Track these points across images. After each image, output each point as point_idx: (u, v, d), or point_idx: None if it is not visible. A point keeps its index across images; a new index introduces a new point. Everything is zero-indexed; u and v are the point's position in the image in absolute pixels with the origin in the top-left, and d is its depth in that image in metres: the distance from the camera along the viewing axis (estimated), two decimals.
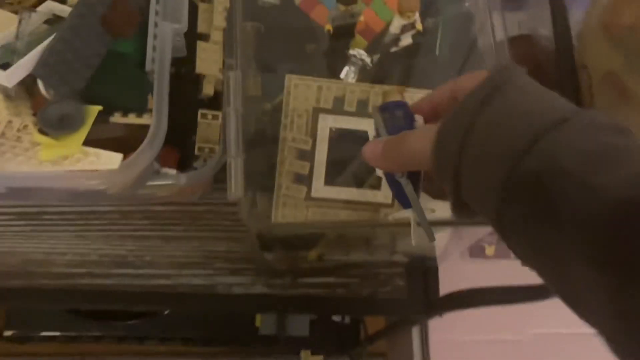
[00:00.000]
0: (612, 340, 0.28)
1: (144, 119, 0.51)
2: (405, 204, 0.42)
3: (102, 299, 0.68)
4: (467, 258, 0.86)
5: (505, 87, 0.34)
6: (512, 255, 0.34)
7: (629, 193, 0.27)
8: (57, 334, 1.02)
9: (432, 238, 0.41)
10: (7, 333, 1.01)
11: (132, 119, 0.50)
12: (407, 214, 0.42)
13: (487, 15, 0.63)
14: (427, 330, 0.85)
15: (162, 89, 0.50)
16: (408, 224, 0.43)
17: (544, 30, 0.77)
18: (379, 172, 0.44)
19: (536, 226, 0.31)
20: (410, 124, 0.42)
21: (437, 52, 0.67)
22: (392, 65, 0.63)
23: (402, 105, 0.43)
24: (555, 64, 0.65)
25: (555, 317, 0.91)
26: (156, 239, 0.70)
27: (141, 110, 0.52)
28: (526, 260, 0.33)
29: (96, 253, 0.69)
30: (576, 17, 0.78)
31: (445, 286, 0.71)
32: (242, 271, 0.69)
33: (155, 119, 0.49)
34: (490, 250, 0.87)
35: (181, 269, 0.69)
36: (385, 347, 1.14)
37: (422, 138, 0.38)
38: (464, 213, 0.37)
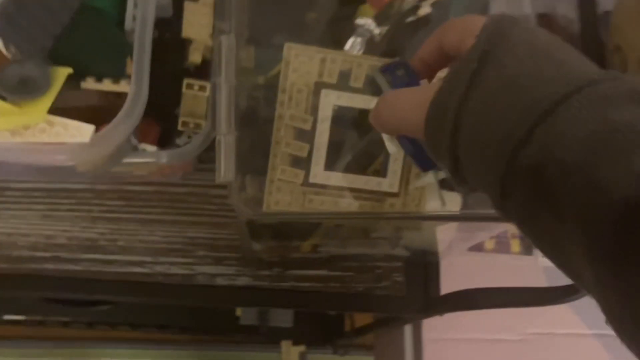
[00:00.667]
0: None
1: (121, 86, 0.44)
2: (426, 165, 0.40)
3: (69, 287, 0.61)
4: (465, 252, 0.81)
5: (500, 50, 0.30)
6: (511, 250, 0.31)
7: (637, 192, 0.23)
8: (21, 317, 0.95)
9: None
10: None
11: (107, 85, 0.44)
12: (428, 178, 0.40)
13: None
14: (421, 327, 0.80)
15: (144, 52, 0.43)
16: (415, 217, 0.39)
17: (563, 9, 0.71)
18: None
19: (539, 222, 0.28)
20: (415, 83, 0.40)
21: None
22: (402, 37, 0.57)
23: (403, 64, 0.41)
24: (581, 46, 0.60)
25: (552, 318, 0.88)
26: (131, 222, 0.63)
27: (118, 75, 0.45)
28: (533, 243, 0.31)
29: (64, 235, 0.62)
30: None
31: (442, 281, 0.66)
32: (226, 260, 0.63)
33: (134, 87, 0.42)
34: (490, 244, 0.82)
35: (158, 256, 0.63)
36: (371, 340, 1.09)
37: (415, 106, 0.34)
38: (466, 188, 0.34)
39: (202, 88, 0.53)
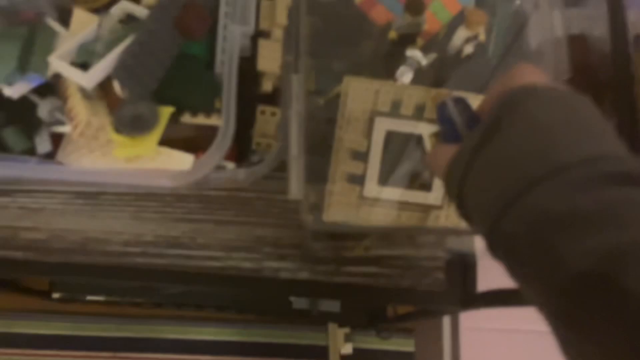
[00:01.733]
0: None
1: (212, 120, 0.53)
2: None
3: (156, 277, 0.71)
4: None
5: (504, 124, 0.36)
6: None
7: (588, 267, 0.29)
8: (100, 298, 1.07)
9: None
10: (55, 295, 1.06)
11: (201, 119, 0.52)
12: None
13: (546, 10, 0.64)
14: (458, 316, 0.88)
15: (231, 91, 0.52)
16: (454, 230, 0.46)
17: (599, 31, 0.77)
18: None
19: (512, 274, 0.34)
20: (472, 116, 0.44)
21: (489, 53, 0.67)
22: (448, 67, 0.64)
23: (460, 100, 0.45)
24: (611, 72, 0.65)
25: None
26: (208, 222, 0.73)
27: (208, 110, 0.54)
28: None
29: (151, 234, 0.72)
30: (635, 17, 0.78)
31: (479, 279, 0.73)
32: (288, 257, 0.72)
33: (224, 121, 0.51)
34: None
35: (231, 252, 0.72)
36: (412, 325, 1.18)
37: (444, 159, 0.41)
38: (469, 224, 0.40)
39: (273, 113, 0.62)
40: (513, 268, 0.34)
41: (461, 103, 0.45)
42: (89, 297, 1.06)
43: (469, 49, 0.57)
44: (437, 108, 0.46)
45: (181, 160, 0.49)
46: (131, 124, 0.49)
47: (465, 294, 0.72)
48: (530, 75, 0.39)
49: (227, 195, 0.73)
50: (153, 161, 0.49)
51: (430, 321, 0.99)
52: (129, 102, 0.49)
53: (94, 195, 0.72)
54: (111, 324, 1.15)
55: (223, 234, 0.72)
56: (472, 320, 0.88)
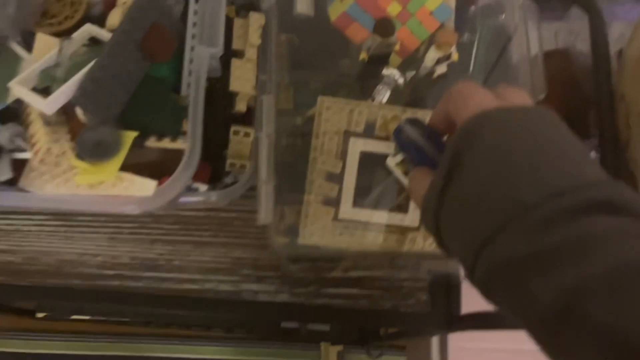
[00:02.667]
0: None
1: (178, 143, 0.52)
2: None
3: (132, 301, 0.70)
4: None
5: (467, 160, 0.36)
6: None
7: (556, 302, 0.30)
8: (85, 317, 1.06)
9: None
10: (40, 315, 1.05)
11: (166, 143, 0.51)
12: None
13: (523, 28, 0.63)
14: (447, 335, 0.86)
15: (197, 114, 0.51)
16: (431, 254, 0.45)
17: (583, 45, 0.75)
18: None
19: (495, 306, 0.36)
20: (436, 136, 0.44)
21: (470, 70, 0.66)
22: (425, 86, 0.63)
23: (414, 120, 0.44)
24: (593, 87, 0.64)
25: None
26: (185, 244, 0.71)
27: (175, 133, 0.52)
28: None
29: (127, 255, 0.71)
30: (618, 30, 0.76)
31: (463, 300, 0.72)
32: (267, 279, 0.71)
33: (189, 145, 0.50)
34: None
35: (208, 274, 0.71)
36: (405, 342, 1.16)
37: (421, 189, 0.41)
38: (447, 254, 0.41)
39: (246, 134, 0.61)
40: (493, 303, 0.35)
41: (417, 123, 0.44)
42: (75, 317, 1.05)
43: (442, 69, 0.56)
44: (394, 135, 0.44)
45: (144, 186, 0.48)
46: (93, 150, 0.48)
47: (449, 316, 0.70)
48: (475, 94, 0.39)
49: (205, 216, 0.72)
50: (115, 187, 0.48)
51: (421, 345, 0.97)
52: (91, 128, 0.48)
53: (69, 217, 0.71)
54: (99, 343, 1.14)
55: (200, 256, 0.71)
56: (461, 339, 0.87)
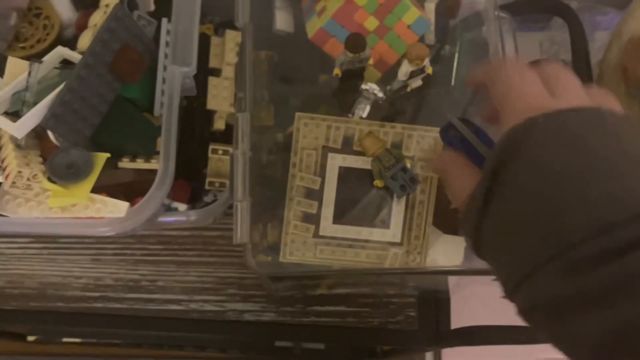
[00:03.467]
0: None
1: (152, 164, 0.51)
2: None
3: (116, 323, 0.69)
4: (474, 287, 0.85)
5: (509, 177, 0.33)
6: None
7: (603, 341, 0.29)
8: (77, 340, 1.05)
9: None
10: (31, 338, 1.04)
11: (140, 163, 0.51)
12: None
13: (500, 41, 0.62)
14: (440, 353, 0.85)
15: (170, 134, 0.50)
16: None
17: (566, 55, 0.75)
18: None
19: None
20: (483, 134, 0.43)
21: (452, 82, 0.65)
22: (405, 100, 0.62)
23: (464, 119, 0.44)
24: None
25: None
26: (169, 264, 0.71)
27: (149, 153, 0.52)
28: None
29: (110, 277, 0.70)
30: (601, 39, 0.76)
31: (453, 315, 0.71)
32: (253, 298, 0.70)
33: (162, 165, 0.49)
34: None
35: (193, 294, 0.70)
36: (400, 358, 1.14)
37: (462, 192, 0.38)
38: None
39: (225, 152, 0.60)
40: (536, 332, 0.34)
41: (465, 120, 0.43)
42: (66, 339, 1.04)
43: (417, 83, 0.55)
44: (441, 132, 0.44)
45: (116, 208, 0.47)
46: (64, 173, 0.47)
47: (438, 332, 0.69)
48: (526, 88, 0.35)
49: (189, 235, 0.71)
50: (88, 209, 0.48)
51: (415, 357, 0.96)
52: (62, 150, 0.48)
53: (52, 239, 0.70)
54: None
55: (185, 276, 0.70)
56: (455, 355, 0.85)
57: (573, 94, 0.35)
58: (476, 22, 0.67)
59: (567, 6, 0.66)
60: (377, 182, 0.56)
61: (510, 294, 0.34)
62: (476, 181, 0.36)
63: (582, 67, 0.62)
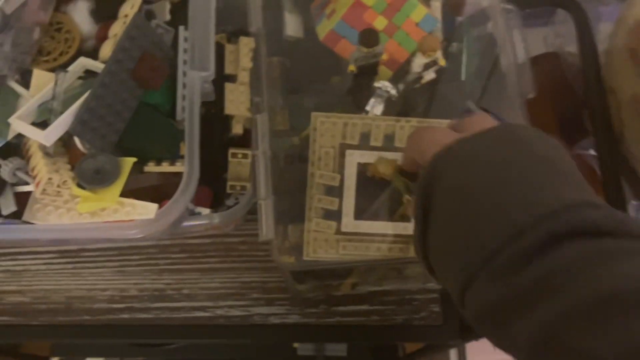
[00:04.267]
0: None
1: (177, 167, 0.52)
2: None
3: (143, 333, 0.70)
4: None
5: (436, 204, 0.36)
6: None
7: (537, 338, 0.30)
8: (101, 359, 1.06)
9: None
10: (54, 359, 1.05)
11: (165, 167, 0.52)
12: None
13: (507, 35, 0.64)
14: (465, 352, 0.85)
15: (193, 137, 0.52)
16: None
17: (571, 47, 0.76)
18: None
19: None
20: None
21: (462, 78, 0.67)
22: (418, 95, 0.63)
23: None
24: (583, 86, 0.65)
25: None
26: (193, 272, 0.71)
27: (174, 157, 0.53)
28: None
29: (135, 288, 0.71)
30: (605, 30, 0.77)
31: None
32: (277, 301, 0.71)
33: (187, 168, 0.50)
34: None
35: (218, 300, 0.71)
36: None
37: (432, 145, 0.39)
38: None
39: (244, 155, 0.61)
40: (486, 336, 0.36)
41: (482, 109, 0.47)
42: (89, 359, 1.05)
43: (430, 75, 0.56)
44: None
45: (145, 210, 0.49)
46: (92, 178, 0.49)
47: (462, 325, 0.70)
48: (434, 134, 0.39)
49: (210, 242, 0.72)
50: (117, 213, 0.49)
51: (438, 358, 0.96)
52: (90, 156, 0.49)
53: (75, 253, 0.71)
54: None
55: (209, 283, 0.71)
56: (480, 353, 0.85)
57: (479, 125, 0.38)
58: (482, 19, 0.68)
59: None
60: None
61: (460, 306, 0.35)
62: (452, 138, 0.38)
63: (588, 53, 0.64)
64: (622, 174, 0.62)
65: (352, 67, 0.55)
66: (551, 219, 0.31)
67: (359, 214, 0.59)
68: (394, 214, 0.60)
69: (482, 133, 0.37)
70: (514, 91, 0.58)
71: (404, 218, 0.60)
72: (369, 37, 0.50)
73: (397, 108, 0.61)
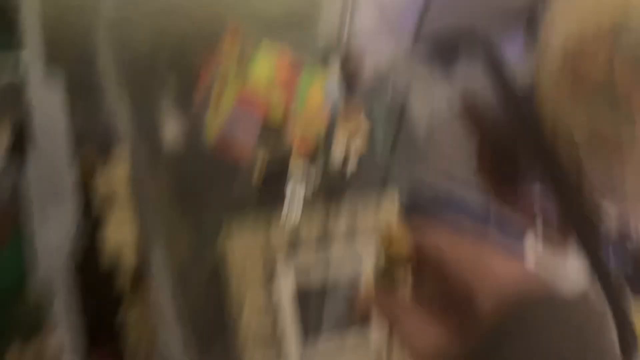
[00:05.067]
0: None
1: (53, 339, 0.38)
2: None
3: None
4: None
5: None
6: None
7: None
8: None
9: None
10: None
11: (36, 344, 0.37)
12: None
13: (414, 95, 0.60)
14: None
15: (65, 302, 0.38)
16: None
17: (482, 97, 0.71)
18: None
19: None
20: None
21: (378, 153, 0.59)
22: (337, 184, 0.54)
23: None
24: (521, 140, 0.58)
25: None
26: None
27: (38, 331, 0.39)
28: None
29: None
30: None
31: None
32: None
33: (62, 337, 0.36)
34: None
35: None
36: None
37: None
38: None
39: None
40: None
41: None
42: None
43: (353, 166, 0.47)
44: None
45: None
46: None
47: None
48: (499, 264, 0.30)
49: None
50: None
51: None
52: None
53: None
54: None
55: None
56: None
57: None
58: (383, 86, 0.62)
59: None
60: None
61: None
62: (444, 340, 0.29)
63: (506, 95, 0.58)
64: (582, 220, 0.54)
65: (258, 179, 0.44)
66: None
67: (312, 343, 0.46)
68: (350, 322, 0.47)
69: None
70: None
71: (364, 320, 0.47)
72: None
73: (320, 203, 0.50)
